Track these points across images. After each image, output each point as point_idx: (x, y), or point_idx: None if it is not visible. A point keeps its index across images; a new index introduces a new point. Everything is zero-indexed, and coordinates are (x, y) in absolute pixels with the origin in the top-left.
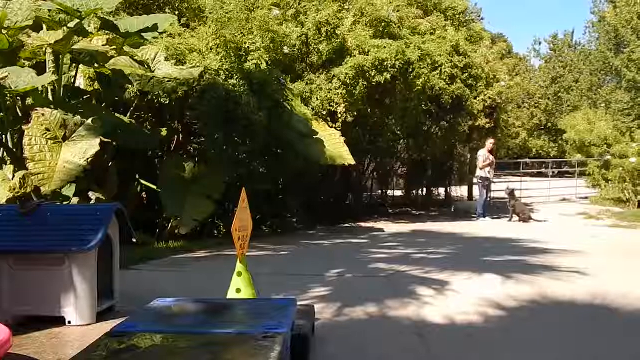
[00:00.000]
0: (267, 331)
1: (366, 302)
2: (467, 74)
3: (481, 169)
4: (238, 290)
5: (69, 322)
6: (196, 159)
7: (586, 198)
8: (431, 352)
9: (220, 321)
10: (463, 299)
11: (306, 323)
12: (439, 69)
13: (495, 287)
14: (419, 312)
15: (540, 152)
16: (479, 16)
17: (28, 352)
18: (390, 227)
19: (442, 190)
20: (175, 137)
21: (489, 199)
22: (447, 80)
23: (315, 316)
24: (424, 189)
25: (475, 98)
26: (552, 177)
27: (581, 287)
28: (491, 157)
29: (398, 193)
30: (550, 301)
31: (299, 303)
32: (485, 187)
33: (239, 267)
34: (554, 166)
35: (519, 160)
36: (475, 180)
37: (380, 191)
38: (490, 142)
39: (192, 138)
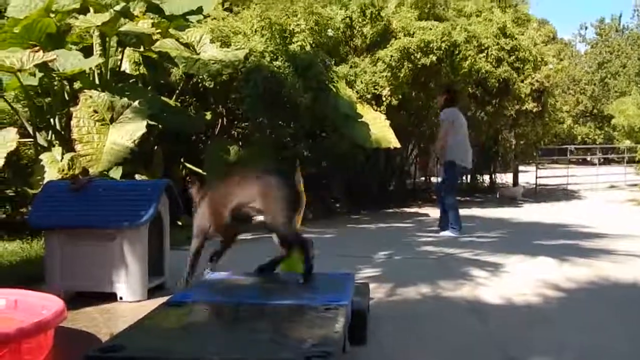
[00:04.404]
0: (329, 303)
1: (418, 283)
2: (514, 57)
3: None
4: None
5: (121, 298)
6: (240, 143)
7: (636, 185)
8: (490, 331)
9: (279, 293)
10: (518, 280)
11: (362, 299)
12: (486, 51)
13: (550, 269)
14: (473, 292)
15: (586, 139)
16: None
17: (81, 327)
18: (435, 212)
19: (486, 177)
20: (220, 120)
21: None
22: (493, 63)
23: (370, 294)
24: (468, 175)
25: (522, 81)
26: (598, 164)
27: None
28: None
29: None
30: (610, 283)
31: None
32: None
33: None
34: (601, 153)
35: (565, 147)
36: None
37: (423, 177)
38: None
39: (235, 122)
